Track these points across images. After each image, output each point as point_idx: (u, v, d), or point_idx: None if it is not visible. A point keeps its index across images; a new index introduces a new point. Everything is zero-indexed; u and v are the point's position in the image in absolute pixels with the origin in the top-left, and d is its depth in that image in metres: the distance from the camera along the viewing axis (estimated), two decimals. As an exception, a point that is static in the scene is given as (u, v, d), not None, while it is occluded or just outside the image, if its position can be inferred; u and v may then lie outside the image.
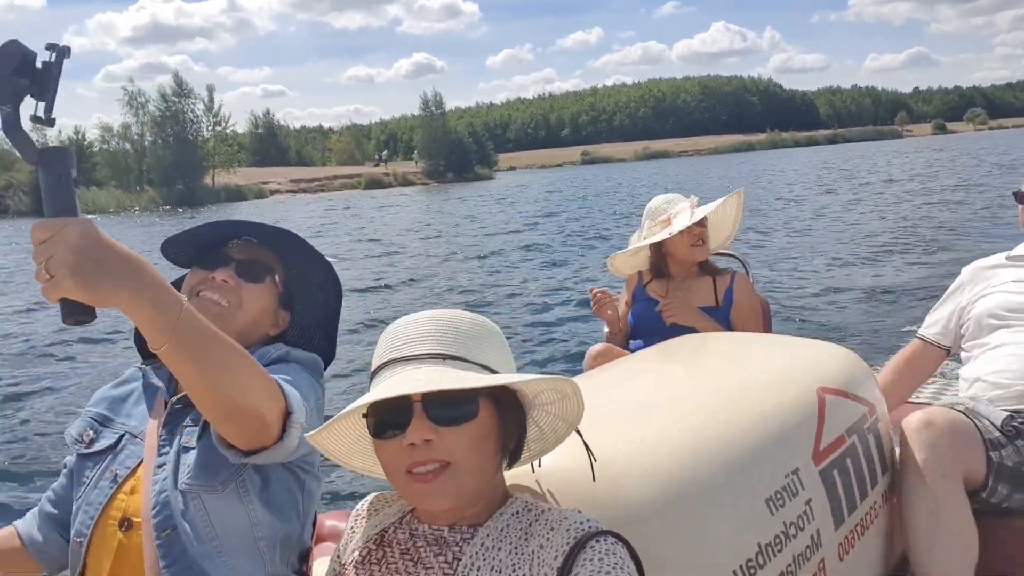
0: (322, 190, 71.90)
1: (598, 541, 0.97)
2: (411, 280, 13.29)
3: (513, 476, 1.17)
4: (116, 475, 1.32)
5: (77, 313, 0.91)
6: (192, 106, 72.52)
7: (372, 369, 1.06)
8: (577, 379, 1.29)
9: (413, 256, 17.06)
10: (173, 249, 1.46)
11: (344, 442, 1.11)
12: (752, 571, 1.31)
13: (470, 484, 1.00)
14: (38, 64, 0.92)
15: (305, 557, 1.42)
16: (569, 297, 10.63)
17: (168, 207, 56.58)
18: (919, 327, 2.42)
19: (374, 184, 75.26)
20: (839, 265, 11.66)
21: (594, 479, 1.16)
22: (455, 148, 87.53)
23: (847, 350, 1.95)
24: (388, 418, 1.00)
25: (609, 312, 2.88)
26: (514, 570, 0.98)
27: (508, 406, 1.05)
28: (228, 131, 76.45)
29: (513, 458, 1.10)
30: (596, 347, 2.74)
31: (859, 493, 1.67)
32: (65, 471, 1.45)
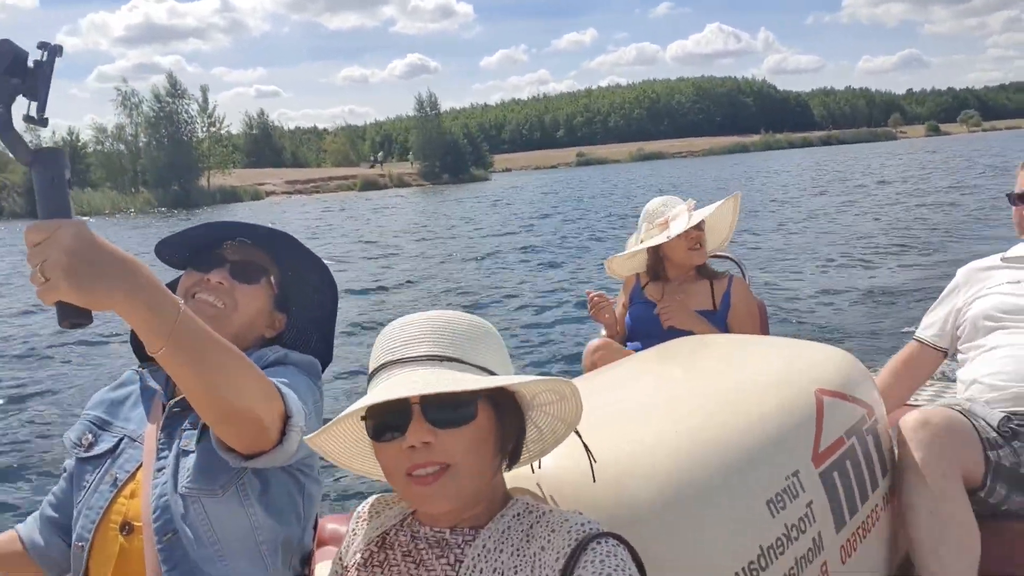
0: (318, 191, 71.90)
1: (599, 543, 0.97)
2: (407, 281, 13.27)
3: (514, 477, 1.17)
4: (116, 479, 1.32)
5: (73, 316, 0.90)
6: (186, 107, 72.57)
7: (369, 371, 1.05)
8: (576, 380, 1.28)
9: (409, 257, 17.04)
10: (167, 250, 1.45)
11: (344, 444, 1.10)
12: (754, 574, 1.31)
13: (470, 486, 1.00)
14: (30, 63, 0.91)
15: (307, 560, 1.41)
16: (566, 298, 10.63)
17: (164, 209, 56.39)
18: (916, 328, 2.42)
19: (370, 185, 75.36)
20: (834, 267, 11.69)
21: (594, 480, 1.16)
22: (450, 149, 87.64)
23: (844, 352, 1.95)
24: (387, 421, 1.00)
25: (606, 315, 2.86)
26: (516, 572, 0.98)
27: (506, 407, 1.05)
28: (223, 132, 76.34)
29: (512, 459, 1.10)
30: (595, 341, 2.72)
31: (860, 495, 1.67)
32: (65, 475, 1.44)
